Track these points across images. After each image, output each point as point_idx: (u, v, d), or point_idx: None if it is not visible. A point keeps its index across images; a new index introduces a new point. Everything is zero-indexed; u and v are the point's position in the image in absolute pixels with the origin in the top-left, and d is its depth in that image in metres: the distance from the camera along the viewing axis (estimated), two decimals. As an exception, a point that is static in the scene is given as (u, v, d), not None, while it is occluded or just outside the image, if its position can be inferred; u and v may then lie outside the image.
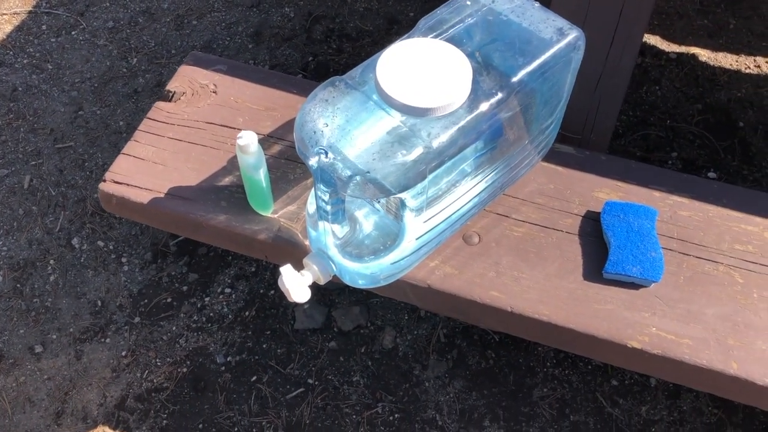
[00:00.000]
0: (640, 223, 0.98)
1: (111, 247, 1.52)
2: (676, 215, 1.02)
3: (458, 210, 0.93)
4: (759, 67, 1.78)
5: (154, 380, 1.36)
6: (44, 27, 1.88)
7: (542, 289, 0.95)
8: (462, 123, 0.79)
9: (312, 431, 1.29)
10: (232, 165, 1.06)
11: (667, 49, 1.81)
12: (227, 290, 1.46)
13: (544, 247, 0.99)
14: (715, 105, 1.70)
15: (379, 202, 0.91)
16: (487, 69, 0.84)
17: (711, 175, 1.58)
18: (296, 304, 1.42)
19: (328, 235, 0.88)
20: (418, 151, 0.77)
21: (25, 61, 1.81)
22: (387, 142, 0.77)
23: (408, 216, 0.86)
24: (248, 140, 0.90)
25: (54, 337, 1.41)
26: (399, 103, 0.78)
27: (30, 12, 1.92)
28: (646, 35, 1.82)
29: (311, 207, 0.91)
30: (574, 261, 0.98)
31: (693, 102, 1.71)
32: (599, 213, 1.01)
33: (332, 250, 0.89)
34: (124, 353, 1.39)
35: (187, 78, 1.16)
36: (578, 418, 1.30)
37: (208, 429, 1.30)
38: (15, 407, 1.33)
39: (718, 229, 1.01)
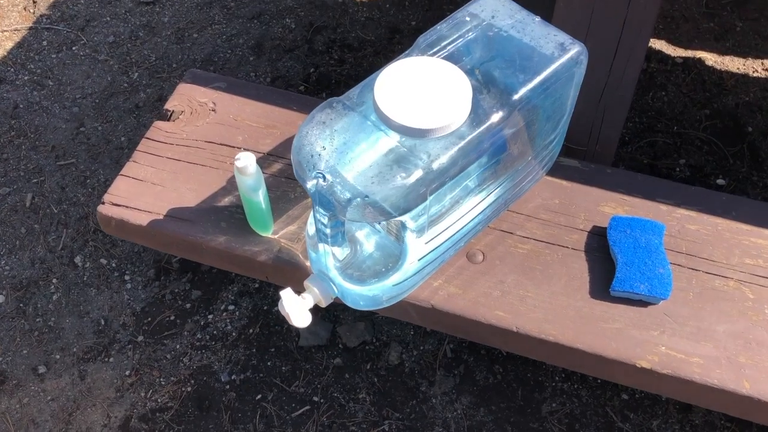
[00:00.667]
0: (647, 239, 0.96)
1: (114, 265, 1.51)
2: (684, 229, 1.00)
3: (461, 229, 0.91)
4: (767, 70, 1.76)
5: (159, 400, 1.35)
6: (45, 43, 1.88)
7: (548, 308, 0.93)
8: (462, 143, 0.78)
9: (318, 450, 1.28)
10: (232, 185, 1.04)
11: (672, 54, 1.79)
12: (231, 307, 1.44)
13: (550, 265, 0.97)
14: (723, 110, 1.68)
15: (379, 223, 0.89)
16: (488, 86, 0.83)
17: (720, 181, 1.56)
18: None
19: (328, 257, 0.86)
20: (417, 173, 0.75)
21: (26, 78, 1.80)
22: (386, 164, 0.76)
23: (409, 237, 0.84)
24: (246, 162, 0.89)
25: (57, 357, 1.40)
26: (397, 124, 0.76)
27: (30, 28, 1.91)
28: (651, 40, 1.79)
29: (311, 228, 0.90)
30: (581, 278, 0.96)
31: (700, 107, 1.69)
32: (605, 228, 0.99)
33: (333, 272, 0.88)
34: (127, 372, 1.38)
35: (186, 96, 1.15)
36: (588, 433, 1.28)
37: (213, 449, 1.29)
38: (19, 429, 1.32)
39: (728, 242, 0.99)
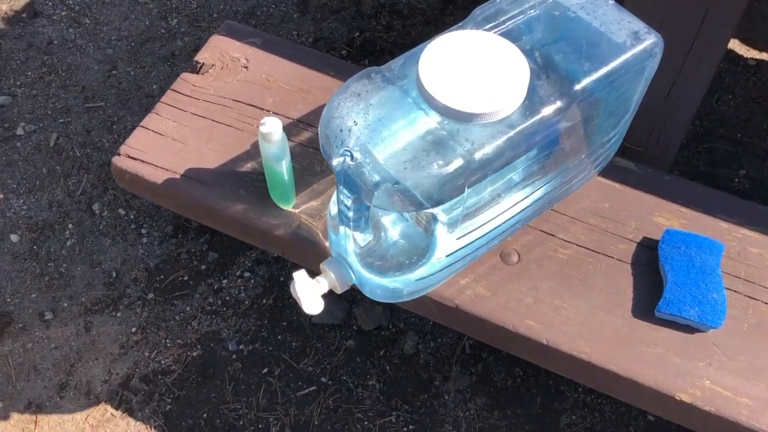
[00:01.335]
0: (703, 258, 0.87)
1: (132, 217, 1.46)
2: (745, 252, 0.90)
3: (498, 226, 0.83)
4: None
5: (162, 361, 1.30)
6: (86, -22, 1.81)
7: (584, 322, 0.85)
8: (511, 133, 0.69)
9: (320, 434, 1.22)
10: (256, 150, 0.97)
11: (745, 55, 1.66)
12: (246, 274, 1.38)
13: (591, 275, 0.88)
14: (794, 121, 1.55)
15: (408, 212, 0.81)
16: (547, 72, 0.73)
17: (781, 198, 1.44)
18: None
19: (349, 241, 0.79)
20: (457, 162, 0.67)
21: (63, 14, 1.74)
22: (422, 148, 0.67)
23: (440, 230, 0.76)
24: (271, 128, 0.81)
25: (65, 305, 1.36)
26: (440, 104, 0.68)
27: (74, -38, 1.85)
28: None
29: (333, 208, 0.82)
30: (624, 294, 0.87)
31: (769, 115, 1.56)
32: (657, 241, 0.90)
33: (352, 257, 0.80)
34: (134, 330, 1.33)
35: (218, 49, 1.08)
36: (607, 452, 1.20)
37: (212, 419, 1.24)
38: (20, 374, 1.29)
39: (793, 272, 0.89)
